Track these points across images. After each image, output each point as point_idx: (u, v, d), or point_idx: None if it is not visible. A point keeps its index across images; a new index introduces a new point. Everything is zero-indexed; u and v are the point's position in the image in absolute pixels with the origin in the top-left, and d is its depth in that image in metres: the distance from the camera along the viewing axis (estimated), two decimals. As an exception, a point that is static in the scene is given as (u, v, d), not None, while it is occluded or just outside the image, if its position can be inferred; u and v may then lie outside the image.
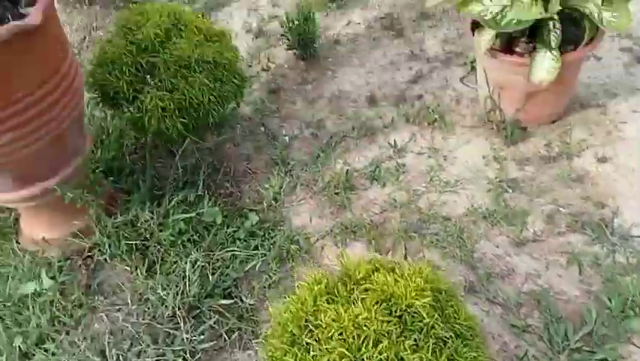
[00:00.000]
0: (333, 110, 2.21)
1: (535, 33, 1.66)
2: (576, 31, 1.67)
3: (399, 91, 2.25)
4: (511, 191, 1.77)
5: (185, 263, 1.53)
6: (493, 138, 1.97)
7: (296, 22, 2.28)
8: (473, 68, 2.27)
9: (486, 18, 1.57)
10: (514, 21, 1.49)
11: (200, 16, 1.64)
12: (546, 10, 1.48)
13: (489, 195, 1.77)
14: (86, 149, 1.45)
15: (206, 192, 1.76)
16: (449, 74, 2.30)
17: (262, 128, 2.15)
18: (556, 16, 1.54)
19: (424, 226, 1.71)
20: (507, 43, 1.74)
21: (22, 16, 1.22)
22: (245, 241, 1.69)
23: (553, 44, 1.60)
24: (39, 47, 1.17)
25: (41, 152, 1.30)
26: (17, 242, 1.68)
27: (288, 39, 2.35)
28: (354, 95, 2.27)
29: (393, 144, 1.99)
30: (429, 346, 0.81)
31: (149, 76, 1.49)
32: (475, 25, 1.72)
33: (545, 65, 1.62)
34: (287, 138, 2.10)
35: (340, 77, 2.37)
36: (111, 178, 1.75)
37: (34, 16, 1.09)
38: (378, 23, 2.65)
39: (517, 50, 1.74)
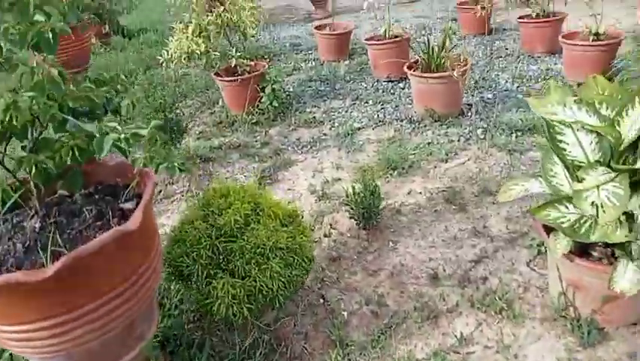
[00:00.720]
0: (394, 285, 2.17)
1: (613, 240, 1.62)
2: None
3: (462, 271, 2.20)
4: (593, 408, 1.60)
5: None
6: (568, 337, 1.84)
7: (360, 195, 2.34)
8: (539, 252, 2.22)
9: (563, 225, 1.56)
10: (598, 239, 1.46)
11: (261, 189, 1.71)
12: (631, 230, 1.46)
13: (569, 411, 1.60)
14: (151, 333, 1.45)
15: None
16: (514, 255, 2.25)
17: (321, 300, 2.11)
18: None
19: None
20: (582, 247, 1.69)
21: (122, 210, 1.30)
22: None
23: (635, 255, 1.55)
24: (133, 244, 1.23)
25: (110, 340, 1.30)
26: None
27: (352, 208, 2.41)
28: (416, 270, 2.23)
29: (459, 335, 1.89)
30: None
31: (224, 260, 1.52)
32: (549, 228, 1.70)
33: (628, 276, 1.55)
34: (346, 313, 2.04)
35: (402, 249, 2.36)
36: (169, 350, 1.72)
37: (134, 220, 1.16)
38: (439, 195, 2.69)
39: (594, 253, 1.69)
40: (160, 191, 2.87)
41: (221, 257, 1.56)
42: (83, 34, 4.23)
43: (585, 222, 1.54)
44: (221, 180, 3.02)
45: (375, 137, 3.49)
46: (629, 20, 4.85)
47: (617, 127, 1.51)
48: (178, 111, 3.35)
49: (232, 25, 3.66)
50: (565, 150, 1.58)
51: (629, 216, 1.48)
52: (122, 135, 1.01)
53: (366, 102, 4.07)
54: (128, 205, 1.30)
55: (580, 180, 1.48)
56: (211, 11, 3.64)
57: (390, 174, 2.95)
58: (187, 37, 3.60)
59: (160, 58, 3.72)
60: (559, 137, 1.58)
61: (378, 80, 4.47)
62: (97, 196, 1.36)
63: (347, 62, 5.11)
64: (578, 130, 1.55)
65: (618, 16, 5.05)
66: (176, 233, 1.65)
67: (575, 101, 1.54)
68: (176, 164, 1.06)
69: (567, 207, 1.59)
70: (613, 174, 1.46)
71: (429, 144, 3.26)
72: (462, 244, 2.35)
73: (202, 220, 1.61)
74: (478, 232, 2.41)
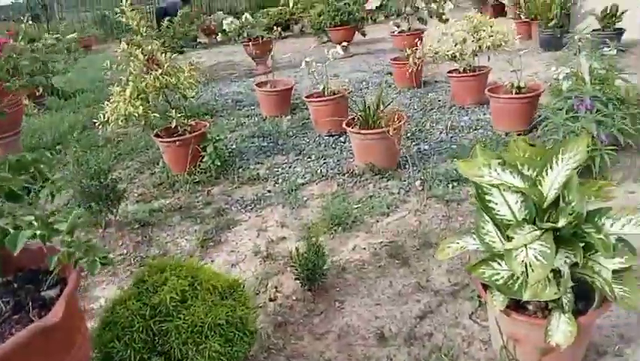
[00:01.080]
0: (341, 347, 2.13)
1: (546, 292, 1.68)
2: (588, 288, 1.69)
3: (408, 328, 2.19)
4: None
5: None
6: (513, 391, 1.86)
7: (304, 256, 2.33)
8: (481, 304, 2.27)
9: (498, 283, 1.60)
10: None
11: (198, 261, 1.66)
12: (559, 286, 1.52)
13: None
14: None
15: None
16: (457, 308, 2.28)
17: (268, 371, 2.04)
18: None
19: None
20: (518, 300, 1.74)
21: (43, 300, 1.22)
22: None
23: (566, 308, 1.61)
24: (56, 336, 1.14)
25: None
26: None
27: (296, 269, 2.38)
28: (363, 330, 2.21)
29: (408, 397, 1.86)
30: None
31: (159, 342, 1.44)
32: (486, 284, 1.74)
33: (561, 328, 1.60)
34: (294, 384, 1.98)
35: (348, 308, 2.34)
36: None
37: (55, 312, 1.09)
38: (383, 250, 2.72)
39: (529, 307, 1.74)
40: (95, 262, 2.72)
41: (156, 338, 1.47)
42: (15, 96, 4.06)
43: (517, 279, 1.60)
44: (162, 244, 2.92)
45: (318, 192, 3.51)
46: (547, 73, 5.26)
47: (539, 187, 1.60)
48: (115, 175, 3.25)
49: (171, 87, 3.65)
50: (494, 209, 1.65)
51: (556, 272, 1.54)
52: (38, 232, 0.95)
53: (309, 157, 4.12)
54: (51, 293, 1.22)
55: (509, 239, 1.54)
56: (149, 73, 3.63)
57: (335, 230, 2.96)
58: (124, 99, 3.55)
59: (96, 120, 3.63)
60: (487, 197, 1.65)
61: (319, 135, 4.56)
62: (15, 285, 1.27)
63: (289, 117, 5.19)
64: (504, 190, 1.63)
65: (536, 69, 5.49)
66: (108, 314, 1.56)
67: (499, 163, 1.63)
68: (97, 258, 1.01)
69: (500, 265, 1.64)
70: (539, 232, 1.53)
71: (371, 197, 3.32)
72: (407, 300, 2.36)
73: (135, 299, 1.53)
74: (421, 286, 2.43)
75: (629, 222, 1.58)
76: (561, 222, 1.52)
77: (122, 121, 3.54)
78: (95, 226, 2.96)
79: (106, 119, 3.56)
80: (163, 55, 3.75)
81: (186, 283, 1.56)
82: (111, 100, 3.63)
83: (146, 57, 3.68)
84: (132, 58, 3.66)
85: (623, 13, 6.21)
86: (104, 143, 4.46)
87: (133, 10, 3.87)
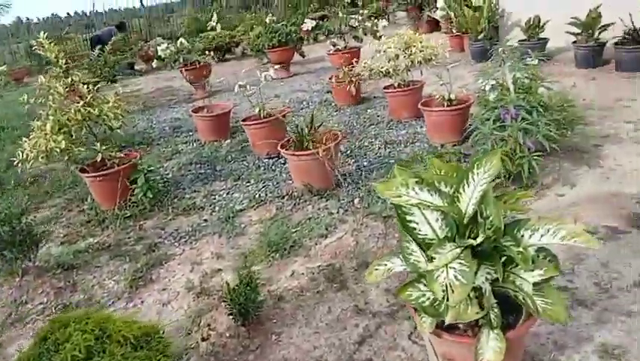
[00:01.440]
0: (278, 384, 2.03)
1: (474, 309, 1.65)
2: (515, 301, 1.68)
3: (347, 355, 2.12)
4: None
5: None
6: (453, 411, 1.82)
7: (235, 290, 2.22)
8: (421, 323, 2.23)
9: (424, 305, 1.57)
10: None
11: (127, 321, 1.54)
12: (482, 307, 1.50)
13: None
14: None
15: None
16: (396, 329, 2.23)
17: (200, 419, 1.91)
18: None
19: None
20: (449, 319, 1.71)
21: None
22: None
23: (494, 323, 1.58)
24: None
25: None
26: None
27: (228, 305, 2.27)
28: (302, 363, 2.12)
29: None
30: None
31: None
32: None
33: (491, 344, 1.57)
34: None
35: (285, 340, 2.25)
36: None
37: None
38: (321, 274, 2.65)
39: (460, 325, 1.71)
40: (10, 314, 2.50)
41: (58, 404, 1.34)
42: None
43: (442, 300, 1.56)
44: (87, 288, 2.73)
45: (257, 217, 3.42)
46: (477, 84, 5.42)
47: (458, 203, 1.58)
48: (36, 216, 3.03)
49: (94, 119, 3.48)
50: (415, 228, 1.62)
51: (477, 290, 1.52)
52: None
53: (248, 182, 4.03)
54: None
55: (431, 260, 1.50)
56: (70, 106, 3.45)
57: (272, 257, 2.87)
58: (45, 134, 3.35)
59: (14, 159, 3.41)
60: (408, 217, 1.62)
61: (259, 158, 4.48)
62: None
63: (229, 141, 5.09)
64: (423, 209, 1.60)
65: (468, 81, 5.65)
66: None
67: (416, 182, 1.61)
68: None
69: (426, 285, 1.61)
70: (459, 250, 1.51)
71: (309, 219, 3.26)
72: (345, 325, 2.29)
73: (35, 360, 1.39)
74: (360, 309, 2.38)
75: (547, 233, 1.58)
76: (480, 238, 1.50)
77: (42, 158, 3.34)
78: (10, 275, 2.73)
79: (25, 156, 3.34)
80: (85, 86, 3.57)
81: (92, 338, 1.43)
82: (31, 136, 3.42)
83: (66, 89, 3.49)
84: (52, 91, 3.47)
85: (545, 23, 6.51)
86: (14, 185, 4.17)
87: (53, 42, 3.68)
